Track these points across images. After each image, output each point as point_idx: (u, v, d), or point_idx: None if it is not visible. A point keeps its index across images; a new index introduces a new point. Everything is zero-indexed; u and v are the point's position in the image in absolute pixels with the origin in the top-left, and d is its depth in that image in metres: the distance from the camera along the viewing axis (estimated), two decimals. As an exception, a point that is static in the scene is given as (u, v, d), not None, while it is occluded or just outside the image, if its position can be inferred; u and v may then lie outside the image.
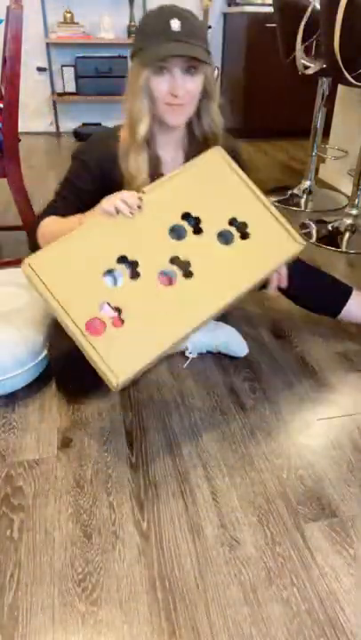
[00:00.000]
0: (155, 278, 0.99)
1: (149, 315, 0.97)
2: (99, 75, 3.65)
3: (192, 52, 0.97)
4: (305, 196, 2.60)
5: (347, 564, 0.86)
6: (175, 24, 0.96)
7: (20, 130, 1.56)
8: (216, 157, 1.10)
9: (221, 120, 1.14)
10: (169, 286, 1.01)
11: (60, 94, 3.73)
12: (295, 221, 2.33)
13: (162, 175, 1.13)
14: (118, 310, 0.96)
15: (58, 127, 3.84)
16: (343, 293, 1.36)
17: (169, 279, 1.03)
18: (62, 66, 3.68)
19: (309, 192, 2.62)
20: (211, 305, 1.02)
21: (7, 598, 0.80)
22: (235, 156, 1.20)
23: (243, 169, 1.19)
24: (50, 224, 1.13)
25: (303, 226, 2.27)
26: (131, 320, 0.96)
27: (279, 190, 2.70)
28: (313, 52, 2.34)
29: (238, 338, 1.35)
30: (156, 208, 1.01)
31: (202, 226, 1.05)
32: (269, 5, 3.35)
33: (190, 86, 1.02)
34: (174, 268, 1.01)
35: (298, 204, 2.53)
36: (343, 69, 1.80)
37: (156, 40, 0.97)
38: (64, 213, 1.12)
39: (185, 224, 1.05)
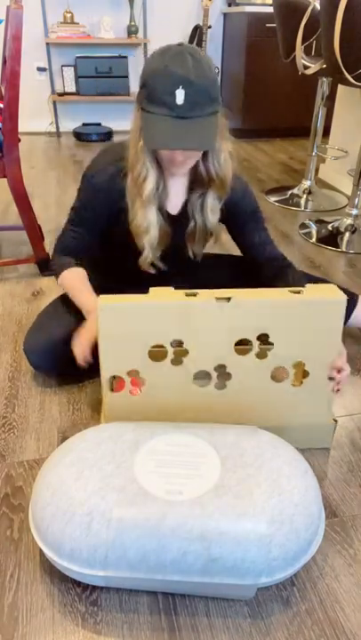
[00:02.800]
0: (191, 374, 0.98)
1: (165, 401, 1.00)
2: (99, 75, 3.65)
3: (192, 143, 0.94)
4: (305, 196, 2.60)
5: (347, 564, 0.86)
6: (180, 96, 0.90)
7: (20, 130, 1.56)
8: (335, 308, 0.97)
9: (229, 165, 1.10)
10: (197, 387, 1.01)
11: (60, 94, 3.73)
12: (295, 221, 2.33)
13: (167, 212, 1.15)
14: (142, 382, 0.98)
15: (58, 127, 3.84)
16: (350, 302, 1.35)
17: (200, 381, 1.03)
18: (62, 66, 3.69)
19: (309, 192, 2.62)
20: (220, 419, 1.01)
21: (7, 598, 0.80)
22: (244, 196, 1.19)
23: (249, 210, 1.21)
24: (68, 280, 1.19)
25: (303, 226, 2.27)
26: (147, 396, 0.99)
27: (279, 190, 2.70)
28: (313, 52, 2.34)
29: None
30: (242, 314, 0.93)
31: (269, 353, 0.97)
32: (269, 5, 3.36)
33: (193, 154, 1.01)
34: (214, 374, 0.99)
35: (298, 204, 2.53)
36: (343, 69, 1.80)
37: (160, 111, 0.93)
38: (74, 244, 1.20)
39: (255, 342, 0.96)
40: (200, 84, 0.91)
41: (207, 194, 1.13)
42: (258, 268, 1.26)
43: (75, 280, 1.19)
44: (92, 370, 1.09)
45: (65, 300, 1.23)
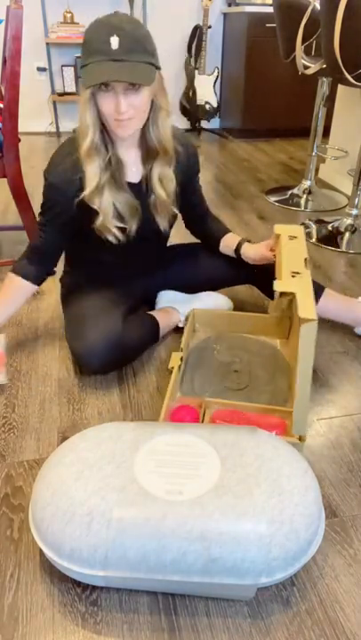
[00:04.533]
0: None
1: None
2: (99, 75, 3.65)
3: (129, 76, 0.96)
4: (305, 196, 2.60)
5: (347, 564, 0.86)
6: (115, 42, 0.94)
7: (20, 130, 1.56)
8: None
9: (169, 132, 1.13)
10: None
11: (60, 94, 3.73)
12: (295, 221, 2.33)
13: (125, 180, 1.16)
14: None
15: (58, 127, 3.84)
16: (316, 292, 1.38)
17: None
18: (62, 66, 3.68)
19: (309, 192, 2.62)
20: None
21: (7, 598, 0.80)
22: (193, 164, 1.27)
23: (197, 171, 1.31)
24: (5, 284, 1.26)
25: (303, 226, 2.27)
26: None
27: (279, 190, 2.70)
28: (313, 52, 2.34)
29: (222, 297, 1.50)
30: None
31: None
32: (269, 5, 3.36)
33: (135, 102, 1.02)
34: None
35: (298, 204, 2.53)
36: (343, 69, 1.80)
37: (96, 58, 0.96)
38: (48, 247, 1.24)
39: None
40: (133, 32, 0.96)
41: (154, 163, 1.16)
42: (193, 221, 1.42)
43: (6, 287, 1.26)
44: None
45: (101, 296, 1.28)
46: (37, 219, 1.24)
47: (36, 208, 1.30)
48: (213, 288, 1.51)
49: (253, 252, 1.32)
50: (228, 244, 1.38)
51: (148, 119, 1.09)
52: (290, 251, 1.12)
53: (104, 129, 1.09)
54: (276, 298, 1.25)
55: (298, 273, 1.01)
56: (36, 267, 1.25)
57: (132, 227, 1.20)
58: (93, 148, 1.08)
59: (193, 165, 1.28)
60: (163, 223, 1.25)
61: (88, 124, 1.05)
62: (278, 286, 0.98)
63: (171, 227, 1.32)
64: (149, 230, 1.24)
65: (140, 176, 1.19)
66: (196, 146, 1.30)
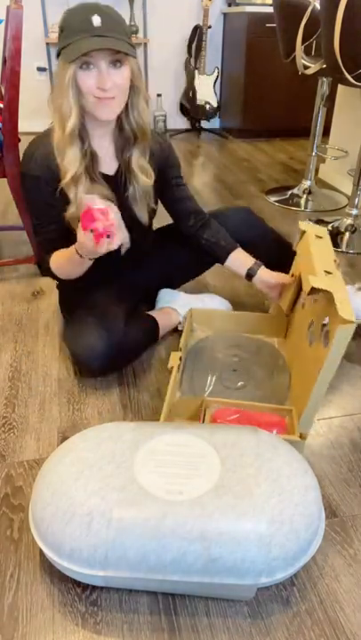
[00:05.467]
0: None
1: None
2: (99, 75, 3.65)
3: (115, 45, 0.97)
4: (305, 196, 2.60)
5: (347, 564, 0.86)
6: (96, 20, 0.96)
7: (20, 130, 1.56)
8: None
9: (149, 115, 1.14)
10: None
11: (60, 94, 3.72)
12: (295, 222, 2.33)
13: (99, 172, 1.15)
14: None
15: (58, 127, 3.84)
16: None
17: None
18: (62, 66, 3.68)
19: (309, 192, 2.62)
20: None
21: (7, 598, 0.80)
22: (170, 150, 1.27)
23: (175, 164, 1.29)
24: (54, 261, 1.19)
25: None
26: None
27: (279, 190, 2.70)
28: (313, 52, 2.34)
29: (223, 300, 1.51)
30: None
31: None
32: (269, 5, 3.35)
33: (117, 79, 1.02)
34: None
35: (298, 204, 2.53)
36: (343, 69, 1.80)
37: (78, 36, 0.97)
38: (54, 239, 1.18)
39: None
40: (112, 14, 0.99)
41: (132, 151, 1.15)
42: (183, 220, 1.35)
43: (56, 256, 1.19)
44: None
45: (99, 297, 1.27)
46: (33, 222, 1.21)
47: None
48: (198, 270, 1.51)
49: (273, 278, 1.29)
50: (239, 263, 1.32)
51: (127, 103, 1.09)
52: (318, 249, 1.10)
53: (82, 118, 1.08)
54: (304, 294, 1.24)
55: (330, 272, 1.00)
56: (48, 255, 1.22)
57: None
58: (75, 133, 1.07)
59: (168, 156, 1.26)
60: (142, 215, 1.24)
61: (71, 106, 1.04)
62: (314, 282, 0.95)
63: (151, 219, 1.30)
64: (131, 223, 1.22)
65: (115, 168, 1.18)
66: (166, 139, 1.29)
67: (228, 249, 1.33)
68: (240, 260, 1.33)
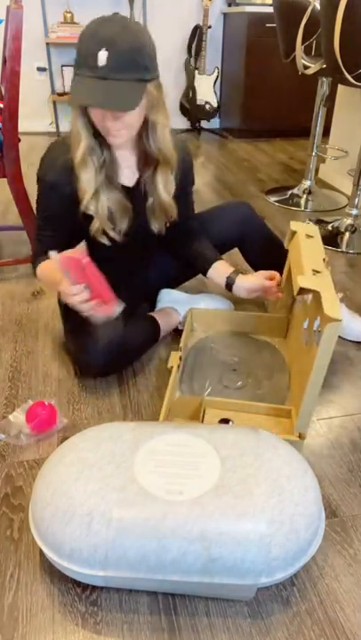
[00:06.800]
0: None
1: None
2: (99, 75, 3.65)
3: (110, 102, 0.92)
4: (305, 196, 2.60)
5: (347, 564, 0.86)
6: (102, 57, 0.90)
7: (20, 130, 1.56)
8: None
9: (170, 143, 1.11)
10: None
11: (60, 94, 3.73)
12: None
13: (119, 184, 1.14)
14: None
15: (58, 127, 3.84)
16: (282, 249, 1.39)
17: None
18: (62, 66, 3.68)
19: (309, 192, 2.62)
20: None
21: (7, 598, 0.80)
22: (191, 167, 1.26)
23: (191, 182, 1.29)
24: (41, 271, 1.18)
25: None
26: None
27: (279, 190, 2.70)
28: (313, 52, 2.34)
29: (223, 300, 1.50)
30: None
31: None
32: (269, 5, 3.36)
33: (124, 119, 1.00)
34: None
35: (298, 204, 2.53)
36: (343, 69, 1.80)
37: (82, 72, 0.93)
38: (50, 244, 1.13)
39: None
40: (124, 47, 0.90)
41: (156, 172, 1.15)
42: (176, 234, 1.32)
43: (41, 268, 1.18)
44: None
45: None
46: (37, 224, 1.21)
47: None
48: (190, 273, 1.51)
49: (250, 284, 1.28)
50: (219, 273, 1.32)
51: (144, 130, 1.07)
52: (308, 249, 1.11)
53: (96, 133, 1.06)
54: (282, 293, 1.25)
55: (318, 272, 1.01)
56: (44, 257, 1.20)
57: (122, 227, 1.17)
58: (87, 153, 1.06)
59: (187, 175, 1.26)
60: (156, 227, 1.23)
61: (79, 130, 1.04)
62: (302, 282, 0.96)
63: (166, 229, 1.29)
64: (143, 233, 1.23)
65: (135, 180, 1.18)
66: (191, 154, 1.28)
67: (208, 261, 1.33)
68: (219, 270, 1.32)
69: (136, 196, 1.18)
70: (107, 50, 0.89)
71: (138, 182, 1.18)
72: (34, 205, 1.63)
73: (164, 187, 1.17)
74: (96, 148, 1.07)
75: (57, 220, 1.17)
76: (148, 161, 1.14)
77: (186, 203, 1.31)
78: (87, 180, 1.08)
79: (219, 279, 1.33)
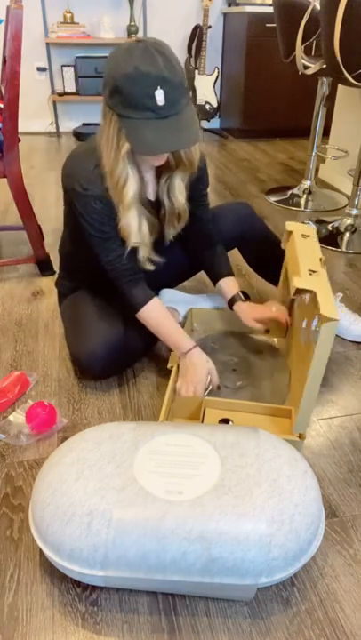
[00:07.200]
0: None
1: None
2: (99, 75, 3.65)
3: (182, 141, 0.93)
4: (305, 196, 2.60)
5: (347, 564, 0.86)
6: (160, 96, 0.88)
7: (20, 130, 1.56)
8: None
9: (198, 150, 1.10)
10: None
11: (60, 94, 3.73)
12: (295, 221, 2.33)
13: (147, 200, 1.14)
14: None
15: (58, 127, 3.84)
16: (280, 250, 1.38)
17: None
18: (62, 66, 3.68)
19: (309, 192, 2.62)
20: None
21: (7, 598, 0.80)
22: (205, 172, 1.24)
23: (205, 184, 1.26)
24: (153, 317, 1.17)
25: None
26: None
27: (279, 190, 2.70)
28: (313, 52, 2.34)
29: (222, 299, 1.45)
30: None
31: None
32: (269, 5, 3.36)
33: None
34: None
35: (298, 204, 2.53)
36: (343, 69, 1.80)
37: (142, 115, 0.91)
38: (127, 263, 1.14)
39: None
40: (175, 80, 0.89)
41: (174, 175, 1.13)
42: (192, 238, 1.31)
43: (161, 317, 1.17)
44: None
45: (99, 300, 1.27)
46: (94, 246, 1.12)
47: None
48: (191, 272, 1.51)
49: (260, 314, 1.27)
50: (225, 290, 1.31)
51: None
52: (304, 249, 1.11)
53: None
54: (280, 291, 1.24)
55: (315, 271, 1.01)
56: (144, 289, 1.17)
57: (149, 242, 1.16)
58: (136, 200, 1.06)
59: (202, 176, 1.23)
60: (170, 233, 1.23)
61: (127, 170, 1.01)
62: (298, 283, 0.96)
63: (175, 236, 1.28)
64: (159, 243, 1.22)
65: (155, 191, 1.17)
66: (204, 155, 1.26)
67: (221, 275, 1.32)
68: (225, 287, 1.32)
69: (157, 207, 1.18)
70: (162, 88, 0.88)
71: (156, 193, 1.18)
72: (34, 205, 1.64)
73: (180, 190, 1.15)
74: (139, 184, 1.06)
75: (114, 229, 1.11)
76: (168, 167, 1.13)
77: (203, 205, 1.29)
78: (133, 218, 1.08)
79: (224, 295, 1.33)
